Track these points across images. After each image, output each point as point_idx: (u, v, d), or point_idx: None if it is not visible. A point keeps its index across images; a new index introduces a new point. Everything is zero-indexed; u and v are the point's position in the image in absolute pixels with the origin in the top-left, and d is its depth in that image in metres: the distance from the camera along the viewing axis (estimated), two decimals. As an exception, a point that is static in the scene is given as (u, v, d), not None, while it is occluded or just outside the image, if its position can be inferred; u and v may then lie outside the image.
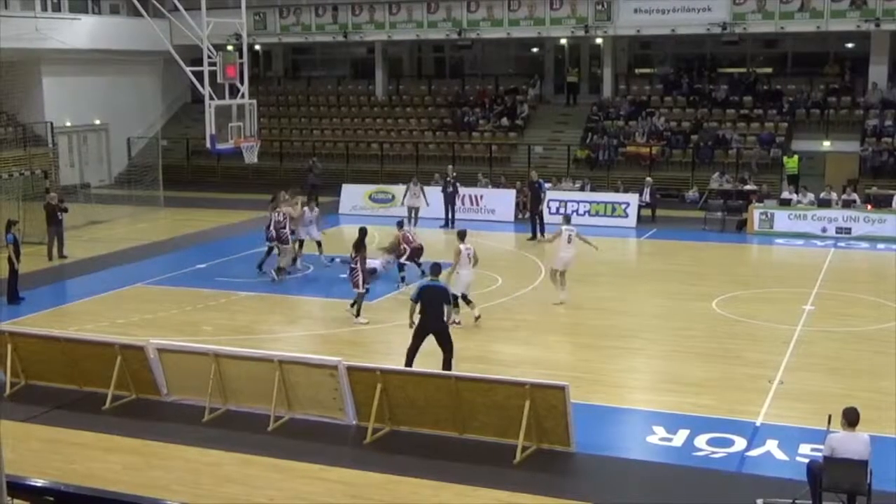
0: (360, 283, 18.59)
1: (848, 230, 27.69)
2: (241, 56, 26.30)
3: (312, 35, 42.37)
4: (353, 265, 18.77)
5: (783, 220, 28.30)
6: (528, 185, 29.75)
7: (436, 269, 15.53)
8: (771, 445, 12.47)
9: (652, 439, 12.84)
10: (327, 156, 40.29)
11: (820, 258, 25.00)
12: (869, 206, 28.38)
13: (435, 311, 14.61)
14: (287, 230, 22.60)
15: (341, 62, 47.08)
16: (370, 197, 33.46)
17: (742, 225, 28.91)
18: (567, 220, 21.10)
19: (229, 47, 28.62)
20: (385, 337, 18.30)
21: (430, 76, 45.44)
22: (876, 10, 34.37)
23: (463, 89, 43.15)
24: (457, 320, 17.40)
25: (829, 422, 10.77)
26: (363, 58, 45.77)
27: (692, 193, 33.86)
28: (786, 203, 29.02)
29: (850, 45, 38.39)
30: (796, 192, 29.94)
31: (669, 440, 12.75)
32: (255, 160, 27.47)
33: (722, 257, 25.65)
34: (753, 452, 12.35)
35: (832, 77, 38.58)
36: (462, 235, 18.81)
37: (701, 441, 12.62)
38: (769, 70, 39.93)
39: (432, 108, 42.49)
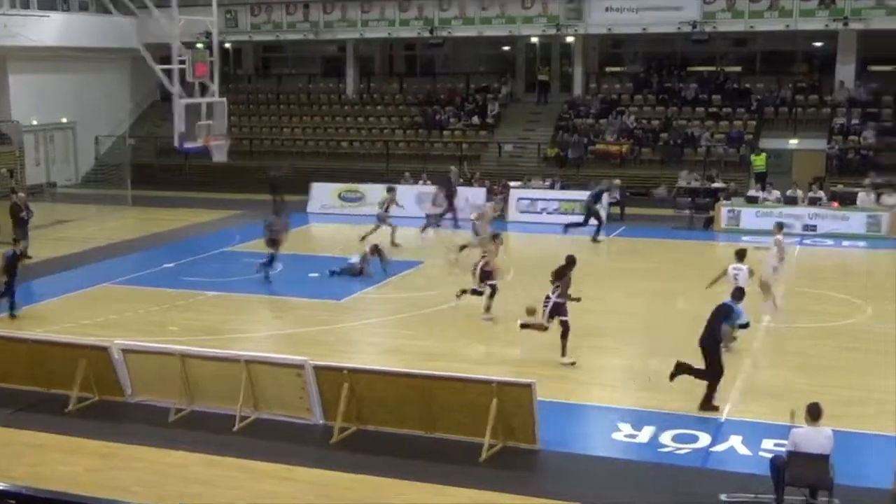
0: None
1: (814, 227, 27.92)
2: (211, 54, 26.18)
3: (283, 33, 42.24)
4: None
5: (750, 217, 28.49)
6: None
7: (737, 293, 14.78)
8: (735, 441, 12.57)
9: (617, 436, 12.90)
10: (297, 154, 40.18)
11: (788, 255, 25.11)
12: (835, 204, 28.62)
13: (709, 326, 13.99)
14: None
15: (312, 60, 46.96)
16: (340, 196, 33.39)
17: (709, 222, 29.09)
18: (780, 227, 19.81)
19: (199, 45, 28.43)
20: (353, 336, 18.28)
21: (401, 74, 45.37)
22: (844, 9, 34.65)
23: (434, 88, 43.13)
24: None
25: (792, 417, 10.87)
26: (334, 56, 45.66)
27: (661, 191, 34.00)
28: (752, 200, 29.23)
29: (818, 45, 38.67)
30: (763, 190, 30.15)
31: (635, 437, 12.82)
32: (225, 159, 27.36)
33: (690, 254, 25.76)
34: (718, 448, 12.44)
35: (800, 76, 38.88)
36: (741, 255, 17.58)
37: (666, 437, 12.70)
38: (738, 69, 40.16)
39: (403, 107, 42.44)
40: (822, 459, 10.31)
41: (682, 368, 13.83)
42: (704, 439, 12.64)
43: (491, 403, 12.07)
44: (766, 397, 14.08)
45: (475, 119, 40.21)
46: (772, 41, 38.79)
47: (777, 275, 18.36)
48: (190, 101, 25.31)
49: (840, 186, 30.41)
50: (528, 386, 12.19)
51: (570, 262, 16.37)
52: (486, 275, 18.84)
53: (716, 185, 31.08)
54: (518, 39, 41.51)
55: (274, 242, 21.93)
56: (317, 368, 13.15)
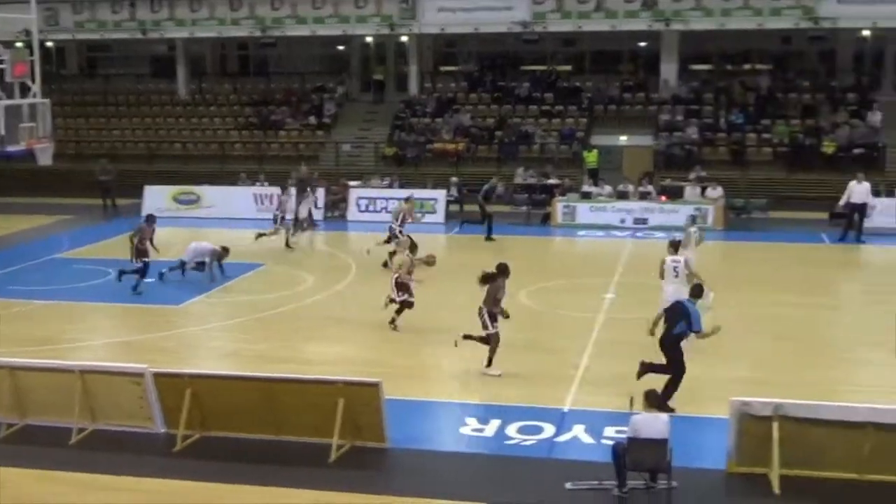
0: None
1: (645, 220, 28.94)
2: (31, 53, 25.10)
3: (109, 32, 40.88)
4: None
5: (585, 212, 29.32)
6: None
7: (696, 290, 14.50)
8: (578, 430, 12.88)
9: (465, 430, 13.03)
10: (128, 157, 38.92)
11: (619, 248, 26.03)
12: (663, 198, 29.75)
13: (667, 325, 13.89)
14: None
15: (141, 60, 45.65)
16: (174, 198, 32.54)
17: (546, 218, 29.77)
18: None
19: (18, 44, 27.20)
20: (193, 341, 17.84)
21: (234, 74, 44.61)
22: (665, 11, 36.06)
23: (269, 88, 42.57)
24: None
25: (631, 404, 11.22)
26: (164, 55, 44.45)
27: (498, 188, 34.48)
28: (586, 196, 30.10)
29: (642, 44, 40.09)
30: (596, 185, 31.06)
31: (482, 430, 12.97)
32: (50, 162, 26.27)
33: (528, 250, 26.26)
34: (562, 438, 12.72)
35: (627, 74, 40.30)
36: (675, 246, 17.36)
37: (512, 430, 12.90)
38: (569, 68, 41.28)
39: (237, 107, 41.71)
40: (661, 444, 10.67)
41: (646, 368, 13.69)
42: (549, 430, 12.90)
43: (337, 404, 11.99)
44: (606, 386, 14.46)
45: (311, 119, 39.90)
46: (599, 41, 39.98)
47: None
48: (9, 102, 24.21)
49: (668, 181, 31.61)
50: (375, 385, 12.17)
51: (501, 270, 15.41)
52: (400, 286, 17.77)
53: (551, 181, 31.81)
54: (352, 39, 41.44)
55: (140, 252, 20.81)
56: (157, 376, 12.76)
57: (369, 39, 41.57)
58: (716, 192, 29.68)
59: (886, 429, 11.11)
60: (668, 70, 38.43)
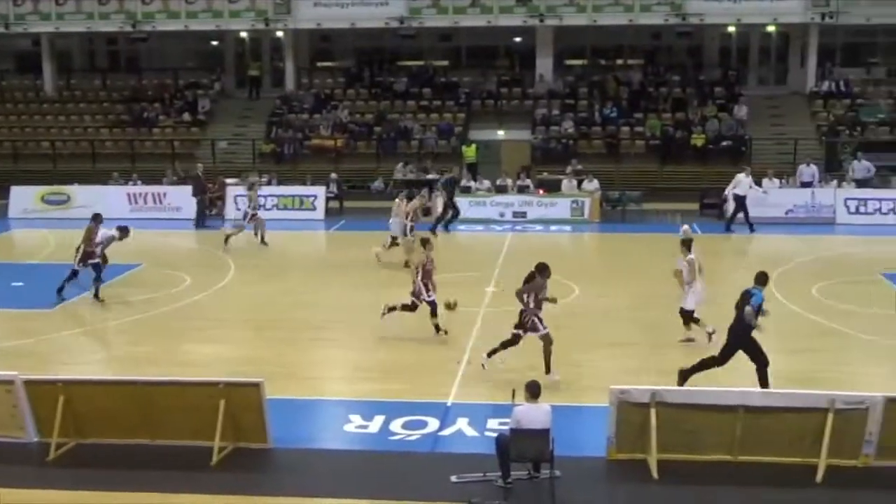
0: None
1: (524, 214, 29.32)
2: None
3: (-31, 26, 39.27)
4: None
5: (464, 206, 29.48)
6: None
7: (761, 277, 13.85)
8: (462, 423, 12.96)
9: (349, 428, 12.97)
10: (-8, 156, 37.54)
11: (499, 242, 26.28)
12: (541, 191, 30.18)
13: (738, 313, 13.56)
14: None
15: (3, 55, 43.94)
16: (43, 198, 31.50)
17: (426, 213, 29.81)
18: None
19: None
20: (67, 346, 17.27)
21: (104, 70, 43.35)
22: (540, 6, 36.60)
23: (140, 84, 41.55)
24: (692, 337, 16.52)
25: (513, 396, 11.34)
26: (28, 50, 42.88)
27: (378, 184, 34.50)
28: (466, 190, 30.28)
29: (518, 40, 40.58)
30: (474, 180, 31.30)
31: (366, 427, 12.93)
32: None
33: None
34: (446, 432, 12.78)
35: (503, 69, 40.75)
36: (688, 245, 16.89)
37: (396, 425, 12.90)
38: (446, 63, 41.48)
39: (108, 104, 40.59)
40: (543, 434, 10.82)
41: (686, 374, 13.65)
42: (433, 424, 12.94)
43: (219, 405, 11.78)
44: (488, 379, 14.58)
45: (186, 116, 39.13)
46: (476, 36, 40.30)
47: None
48: None
49: (545, 174, 32.09)
50: (257, 385, 11.99)
51: (541, 269, 14.84)
52: (426, 286, 16.84)
53: (430, 176, 31.91)
54: (227, 34, 40.77)
55: (87, 255, 19.73)
56: (28, 383, 12.30)
57: (244, 34, 40.97)
58: (592, 184, 30.27)
59: (756, 411, 11.51)
60: (544, 65, 39.00)
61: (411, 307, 17.01)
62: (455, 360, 15.59)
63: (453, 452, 12.14)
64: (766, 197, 28.29)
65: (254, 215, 25.83)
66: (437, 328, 16.90)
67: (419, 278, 16.87)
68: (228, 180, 31.71)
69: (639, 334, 17.37)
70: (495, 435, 11.49)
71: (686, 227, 20.01)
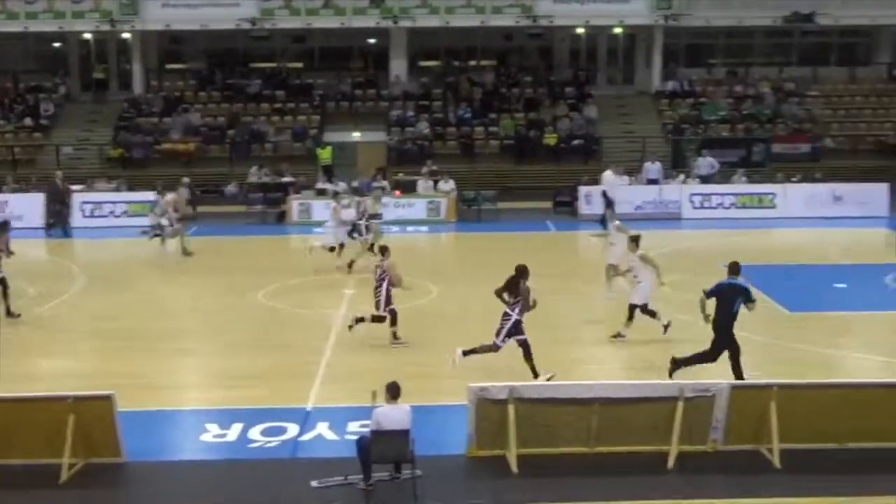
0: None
1: (380, 215, 29.19)
2: None
3: None
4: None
5: (320, 209, 29.23)
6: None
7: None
8: (322, 427, 12.85)
9: (206, 437, 12.69)
10: None
11: (357, 243, 26.12)
12: (397, 192, 30.23)
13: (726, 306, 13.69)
14: None
15: None
16: None
17: (282, 216, 29.54)
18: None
19: None
20: None
21: (-63, 74, 41.31)
22: (393, 8, 36.68)
23: (-23, 87, 39.77)
24: (623, 333, 16.53)
25: (373, 397, 11.30)
26: None
27: (231, 188, 33.94)
28: (322, 193, 30.08)
29: (372, 41, 40.58)
30: (330, 182, 31.13)
31: (224, 436, 12.67)
32: None
33: (265, 249, 25.97)
34: (306, 437, 12.64)
35: (357, 71, 40.68)
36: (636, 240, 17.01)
37: (255, 433, 12.68)
38: (299, 65, 41.16)
39: (-57, 109, 38.72)
40: (403, 434, 10.83)
41: (678, 364, 13.97)
42: (293, 430, 12.79)
43: (68, 420, 11.35)
44: (348, 381, 14.51)
45: (27, 121, 37.63)
46: (329, 38, 40.13)
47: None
48: None
49: (401, 175, 32.18)
50: (108, 398, 11.60)
51: (521, 271, 14.59)
52: (389, 299, 16.47)
53: (285, 179, 31.59)
54: (70, 35, 39.39)
55: None
56: None
57: (88, 36, 39.65)
58: (447, 185, 30.50)
59: (611, 403, 11.79)
60: (398, 66, 39.11)
61: (380, 319, 16.54)
62: (314, 364, 15.45)
63: (314, 457, 12.02)
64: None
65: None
66: (396, 335, 16.61)
67: (384, 287, 16.47)
68: (74, 187, 30.61)
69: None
70: (356, 437, 11.44)
71: (618, 222, 20.39)
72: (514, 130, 36.67)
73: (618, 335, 16.67)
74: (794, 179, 31.08)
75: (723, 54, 41.92)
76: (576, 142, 36.24)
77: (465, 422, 11.83)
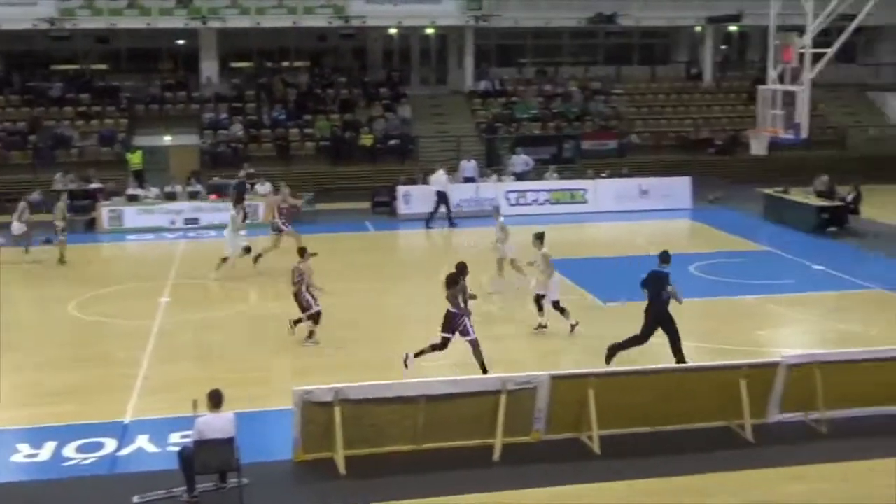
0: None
1: (196, 220, 28.60)
2: None
3: None
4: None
5: (132, 216, 28.40)
6: None
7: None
8: (142, 441, 12.45)
9: (17, 458, 12.07)
10: None
11: (172, 250, 25.52)
12: (213, 196, 29.58)
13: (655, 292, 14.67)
14: None
15: None
16: None
17: (92, 224, 28.44)
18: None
19: None
20: None
21: None
22: (202, 8, 35.87)
23: None
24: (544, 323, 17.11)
25: (195, 407, 11.03)
26: None
27: (35, 195, 32.32)
28: (133, 199, 29.12)
29: (181, 42, 39.56)
30: (142, 187, 30.18)
31: (35, 456, 12.09)
32: None
33: (75, 259, 24.86)
34: (125, 451, 12.22)
35: (167, 73, 39.57)
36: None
37: (70, 450, 12.16)
38: (104, 66, 39.71)
39: None
40: (227, 443, 10.62)
41: (614, 350, 14.72)
42: (110, 445, 12.32)
43: None
44: (168, 392, 14.11)
45: None
46: (136, 39, 38.88)
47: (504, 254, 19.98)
48: None
49: (217, 179, 31.53)
50: None
51: (462, 268, 14.73)
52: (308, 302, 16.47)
53: (93, 185, 30.39)
54: None
55: None
56: None
57: None
58: (265, 187, 30.06)
59: (436, 399, 11.91)
60: (209, 68, 38.31)
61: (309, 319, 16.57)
62: (131, 377, 14.93)
63: (135, 472, 11.63)
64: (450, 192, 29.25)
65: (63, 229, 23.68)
66: (312, 334, 16.58)
67: (304, 289, 16.38)
68: None
69: (323, 332, 17.46)
70: (178, 449, 11.14)
71: (502, 220, 20.95)
72: (329, 131, 36.52)
73: (539, 327, 17.19)
74: (603, 175, 32.19)
75: (532, 54, 43.02)
76: (392, 142, 36.42)
77: (290, 427, 11.70)
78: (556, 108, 38.86)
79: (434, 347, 14.67)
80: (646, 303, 14.88)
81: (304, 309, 16.57)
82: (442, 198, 28.59)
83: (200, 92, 37.97)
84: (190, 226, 28.41)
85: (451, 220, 28.53)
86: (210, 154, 35.18)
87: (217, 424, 10.66)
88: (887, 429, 12.68)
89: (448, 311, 14.61)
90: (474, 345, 14.55)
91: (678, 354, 14.53)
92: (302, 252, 16.92)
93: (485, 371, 14.28)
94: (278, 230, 23.14)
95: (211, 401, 10.87)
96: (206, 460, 10.56)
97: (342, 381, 12.00)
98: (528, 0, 38.76)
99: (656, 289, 14.71)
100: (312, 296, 16.56)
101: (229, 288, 20.82)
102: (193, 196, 29.54)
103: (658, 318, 14.71)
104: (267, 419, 13.08)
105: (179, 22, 36.10)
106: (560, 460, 11.87)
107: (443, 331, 14.62)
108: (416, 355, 14.64)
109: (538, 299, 17.16)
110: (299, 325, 16.70)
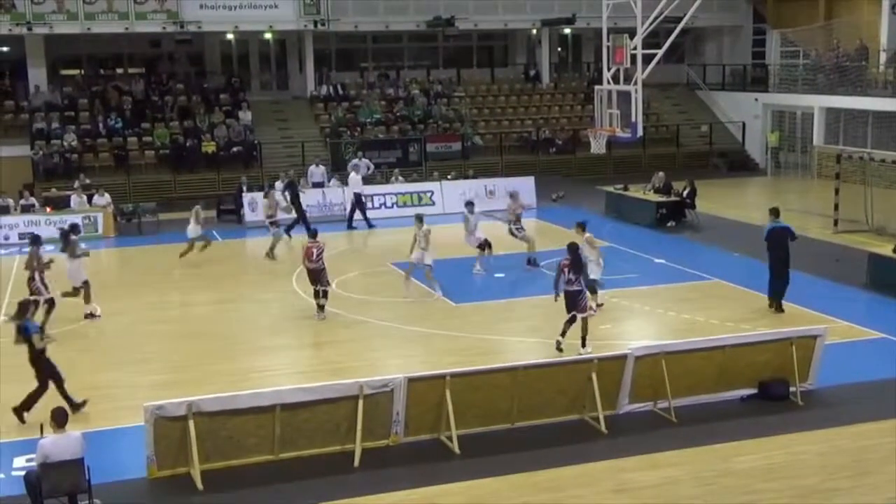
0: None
1: (29, 234, 27.38)
2: None
3: None
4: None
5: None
6: None
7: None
8: (-17, 467, 11.85)
9: None
10: None
11: (7, 267, 24.40)
12: (48, 209, 28.47)
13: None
14: None
15: None
16: None
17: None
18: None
19: None
20: None
21: None
22: (26, 14, 34.41)
23: None
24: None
25: (41, 430, 10.59)
26: None
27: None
28: (-36, 213, 27.74)
29: (6, 49, 37.93)
30: (-29, 201, 28.77)
31: None
32: None
33: None
34: (-35, 479, 11.60)
35: (-8, 82, 37.83)
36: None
37: None
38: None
39: None
40: (76, 464, 10.24)
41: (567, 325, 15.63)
42: (-53, 474, 11.69)
43: None
44: (11, 414, 13.43)
45: None
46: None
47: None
48: None
49: (53, 191, 30.37)
50: None
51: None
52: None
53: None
54: None
55: None
56: None
57: None
58: (103, 199, 29.10)
59: (292, 408, 11.78)
60: (37, 76, 36.75)
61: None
62: None
63: (-23, 500, 11.06)
64: (283, 200, 28.91)
65: None
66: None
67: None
68: None
69: (170, 345, 17.04)
70: (23, 473, 10.66)
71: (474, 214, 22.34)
72: (169, 139, 35.61)
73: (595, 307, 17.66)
74: (449, 177, 32.49)
75: (373, 58, 43.04)
76: (235, 149, 35.78)
77: (142, 444, 11.36)
78: (400, 112, 39.00)
79: (569, 323, 15.72)
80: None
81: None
82: (358, 199, 28.97)
83: (30, 101, 36.42)
84: (25, 241, 27.17)
85: (368, 222, 29.09)
86: (43, 165, 33.78)
87: (63, 445, 10.26)
88: (729, 413, 13.26)
89: (568, 292, 15.62)
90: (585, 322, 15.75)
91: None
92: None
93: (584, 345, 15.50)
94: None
95: (55, 420, 10.46)
96: (55, 483, 10.15)
97: (198, 394, 11.74)
98: (366, 4, 38.76)
99: (780, 240, 17.76)
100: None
101: (74, 304, 20.05)
102: (27, 210, 28.33)
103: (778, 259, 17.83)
104: (119, 437, 12.66)
105: (3, 28, 34.52)
106: (420, 461, 11.91)
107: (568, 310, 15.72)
108: (562, 334, 15.67)
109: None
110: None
